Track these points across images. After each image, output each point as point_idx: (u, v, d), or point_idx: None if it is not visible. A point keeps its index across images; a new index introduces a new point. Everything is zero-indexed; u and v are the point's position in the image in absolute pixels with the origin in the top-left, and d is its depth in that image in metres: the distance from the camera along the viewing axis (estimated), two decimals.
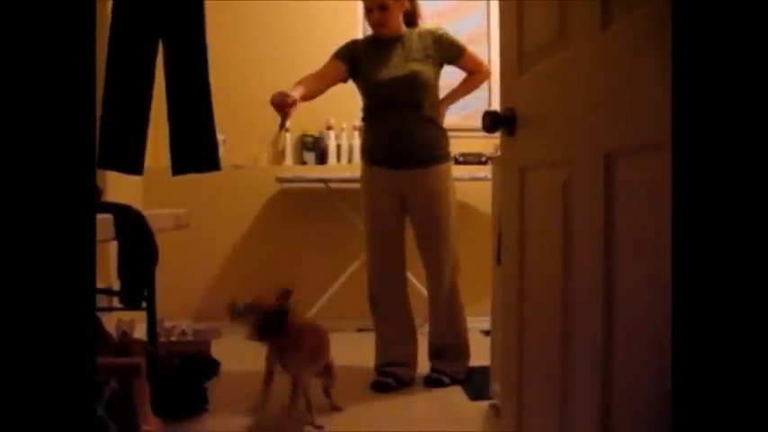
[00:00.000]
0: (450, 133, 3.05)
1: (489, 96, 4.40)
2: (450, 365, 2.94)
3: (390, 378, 2.88)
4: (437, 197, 2.87)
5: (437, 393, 2.83)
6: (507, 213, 1.63)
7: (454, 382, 2.91)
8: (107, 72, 2.64)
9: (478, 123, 1.57)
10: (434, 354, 2.99)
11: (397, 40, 2.90)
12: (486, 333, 3.42)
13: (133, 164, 2.73)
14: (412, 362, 2.98)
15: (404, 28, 2.95)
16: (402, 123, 2.84)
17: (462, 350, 2.99)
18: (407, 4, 2.91)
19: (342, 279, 3.86)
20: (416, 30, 2.95)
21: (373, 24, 2.90)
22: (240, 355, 2.87)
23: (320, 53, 4.20)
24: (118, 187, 3.11)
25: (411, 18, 2.96)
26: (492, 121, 1.53)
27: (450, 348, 2.96)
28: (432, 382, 2.91)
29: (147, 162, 2.86)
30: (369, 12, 2.87)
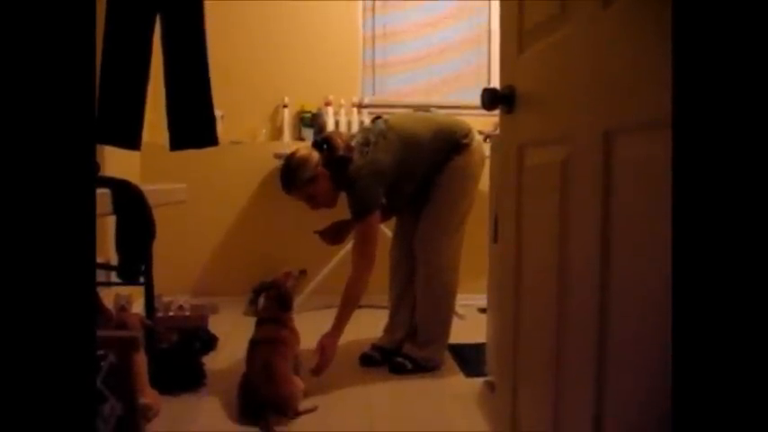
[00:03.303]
0: (448, 111, 3.04)
1: (489, 73, 4.39)
2: (417, 350, 2.86)
3: (375, 351, 2.94)
4: (438, 188, 2.83)
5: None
6: (505, 191, 1.63)
7: (417, 368, 2.81)
8: (104, 47, 2.62)
9: (477, 101, 1.57)
10: (408, 331, 2.97)
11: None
12: (483, 311, 3.44)
13: (131, 139, 2.72)
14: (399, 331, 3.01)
15: (337, 188, 2.78)
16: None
17: (431, 339, 2.88)
18: (323, 170, 2.72)
19: (340, 255, 3.86)
20: (347, 177, 2.72)
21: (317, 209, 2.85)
22: (238, 331, 2.89)
23: (318, 26, 4.20)
24: (115, 162, 3.10)
25: (336, 162, 2.73)
26: (491, 99, 1.53)
27: (419, 332, 2.90)
28: (394, 367, 2.84)
29: (145, 137, 2.85)
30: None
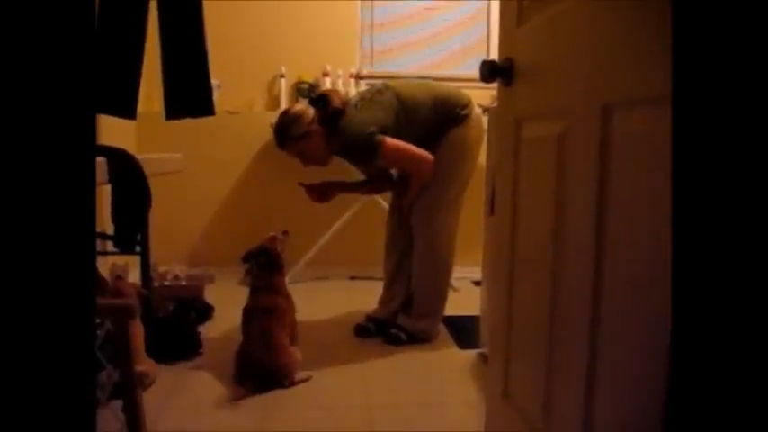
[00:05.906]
0: (447, 83, 3.01)
1: (488, 46, 4.36)
2: (412, 322, 2.87)
3: (370, 322, 2.96)
4: (436, 160, 2.76)
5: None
6: (502, 164, 1.63)
7: (412, 339, 2.83)
8: (100, 14, 2.59)
9: (476, 74, 1.57)
10: (403, 303, 2.98)
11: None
12: (477, 283, 3.46)
13: (126, 108, 2.69)
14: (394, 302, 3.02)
15: (330, 146, 2.77)
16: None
17: (426, 311, 2.89)
18: (318, 128, 2.72)
19: (335, 227, 3.87)
20: (339, 129, 2.71)
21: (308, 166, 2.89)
22: (233, 300, 2.89)
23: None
24: (111, 131, 3.08)
25: (330, 115, 2.72)
26: (490, 71, 1.52)
27: (415, 304, 2.90)
28: (389, 338, 2.85)
29: (141, 106, 2.83)
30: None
